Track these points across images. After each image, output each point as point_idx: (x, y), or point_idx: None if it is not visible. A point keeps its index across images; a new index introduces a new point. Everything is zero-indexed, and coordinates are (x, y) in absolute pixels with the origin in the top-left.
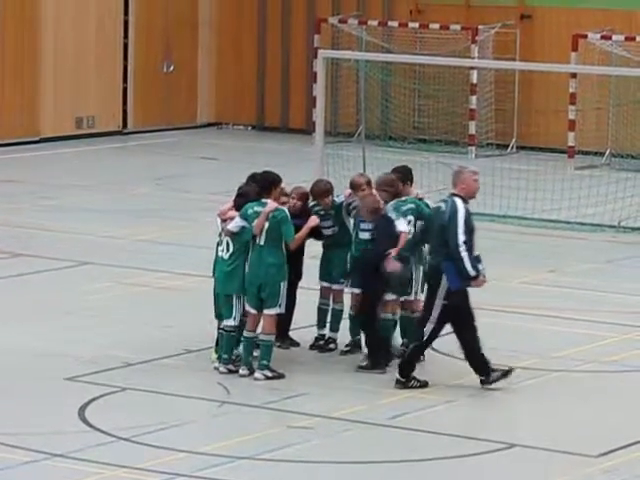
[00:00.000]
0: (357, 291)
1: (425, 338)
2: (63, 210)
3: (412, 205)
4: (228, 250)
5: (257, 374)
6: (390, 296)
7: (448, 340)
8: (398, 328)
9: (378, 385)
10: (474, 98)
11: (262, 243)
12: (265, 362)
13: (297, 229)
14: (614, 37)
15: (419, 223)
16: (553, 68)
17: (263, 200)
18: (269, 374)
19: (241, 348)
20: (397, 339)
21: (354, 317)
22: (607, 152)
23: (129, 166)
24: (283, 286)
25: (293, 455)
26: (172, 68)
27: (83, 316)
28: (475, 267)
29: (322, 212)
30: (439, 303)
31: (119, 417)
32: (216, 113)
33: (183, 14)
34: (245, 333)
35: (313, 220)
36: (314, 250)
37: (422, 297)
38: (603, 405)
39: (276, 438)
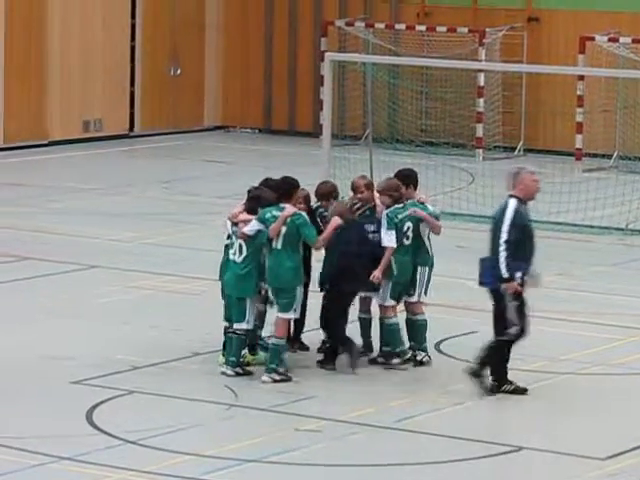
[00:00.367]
0: (363, 295)
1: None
2: (70, 213)
3: (410, 211)
4: (241, 253)
5: (264, 377)
6: (389, 301)
7: (456, 342)
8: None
9: (386, 388)
10: (481, 101)
11: (279, 247)
12: (273, 365)
13: None
14: (621, 39)
15: (422, 225)
16: (560, 70)
17: (281, 205)
18: (277, 377)
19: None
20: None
21: (362, 320)
22: (615, 154)
23: (136, 169)
24: (299, 291)
25: (300, 458)
26: (179, 71)
27: (90, 319)
28: (511, 269)
29: (326, 213)
30: (511, 305)
31: (126, 420)
32: (223, 116)
33: (190, 17)
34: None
35: (336, 220)
36: (317, 253)
37: (425, 299)
38: (610, 408)
39: (283, 441)
